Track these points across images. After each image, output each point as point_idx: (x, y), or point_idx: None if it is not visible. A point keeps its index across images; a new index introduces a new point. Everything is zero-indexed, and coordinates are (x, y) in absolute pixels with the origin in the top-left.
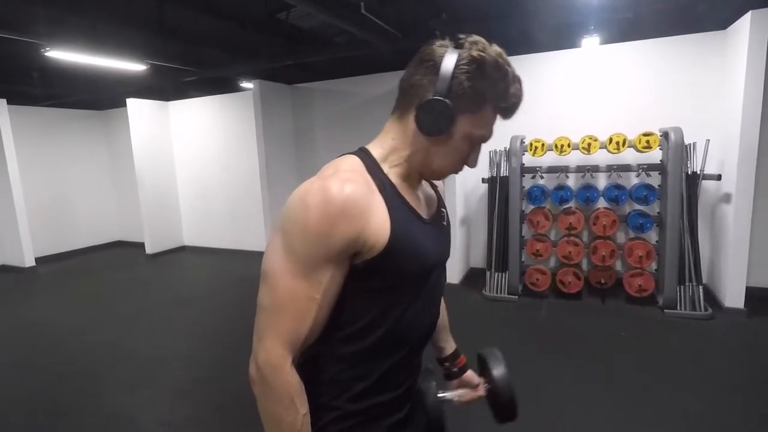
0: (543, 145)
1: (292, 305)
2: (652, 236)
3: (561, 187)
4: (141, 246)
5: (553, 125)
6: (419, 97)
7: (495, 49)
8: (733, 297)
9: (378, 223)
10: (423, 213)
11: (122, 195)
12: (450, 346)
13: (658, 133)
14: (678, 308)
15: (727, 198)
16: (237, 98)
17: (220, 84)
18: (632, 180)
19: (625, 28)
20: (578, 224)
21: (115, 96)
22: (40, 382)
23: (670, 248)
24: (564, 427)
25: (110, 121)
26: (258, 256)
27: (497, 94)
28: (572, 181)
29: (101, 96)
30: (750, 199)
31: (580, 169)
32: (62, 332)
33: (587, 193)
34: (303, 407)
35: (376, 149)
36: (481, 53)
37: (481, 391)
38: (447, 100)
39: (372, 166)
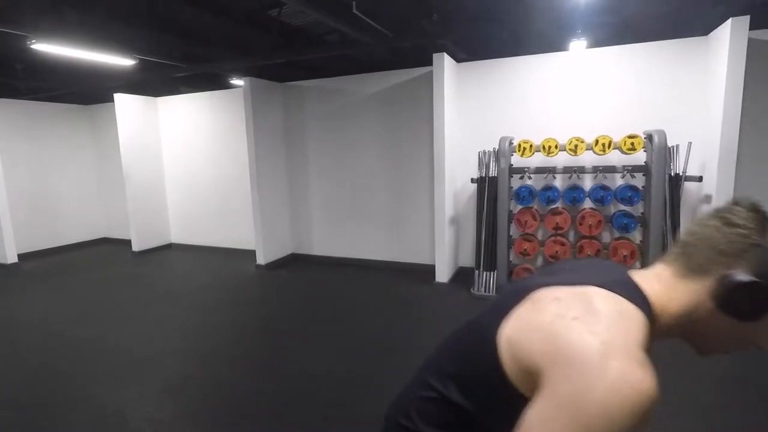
0: (531, 146)
1: None
2: (636, 236)
3: (548, 188)
4: (127, 243)
5: (541, 127)
6: (722, 266)
7: None
8: None
9: None
10: None
11: (108, 191)
12: None
13: (643, 136)
14: None
15: (707, 199)
16: (227, 95)
17: (211, 80)
18: (617, 181)
19: (612, 33)
20: (565, 224)
21: (103, 90)
22: (25, 378)
23: (653, 248)
24: None
25: (97, 115)
26: (247, 254)
27: None
28: (559, 182)
29: (88, 90)
30: (729, 200)
31: (567, 170)
32: (45, 329)
33: (574, 194)
34: None
35: (657, 306)
36: None
37: None
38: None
39: (647, 336)
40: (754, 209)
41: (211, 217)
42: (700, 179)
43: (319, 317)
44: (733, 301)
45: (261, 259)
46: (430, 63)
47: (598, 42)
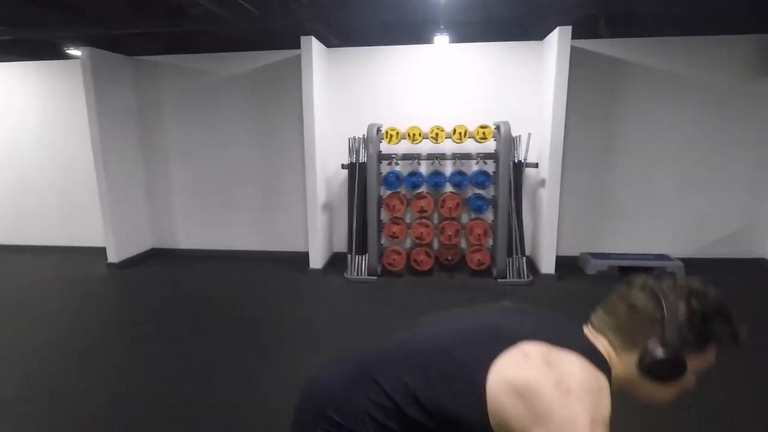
0: (398, 133)
1: None
2: (489, 216)
3: (414, 174)
4: None
5: (407, 115)
6: (643, 337)
7: (712, 292)
8: (547, 265)
9: None
10: None
11: None
12: None
13: (493, 126)
14: (507, 277)
15: (543, 183)
16: (62, 67)
17: (39, 48)
18: (473, 167)
19: (471, 31)
20: (429, 207)
21: None
22: None
23: (501, 226)
24: None
25: None
26: (96, 251)
27: (725, 340)
28: (424, 168)
29: None
30: (558, 184)
31: (431, 157)
32: None
33: (436, 179)
34: None
35: (612, 371)
36: (703, 306)
37: None
38: (678, 355)
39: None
40: (646, 288)
41: (49, 212)
42: (536, 166)
43: (183, 316)
44: (653, 371)
45: (113, 257)
46: (299, 46)
47: (459, 38)
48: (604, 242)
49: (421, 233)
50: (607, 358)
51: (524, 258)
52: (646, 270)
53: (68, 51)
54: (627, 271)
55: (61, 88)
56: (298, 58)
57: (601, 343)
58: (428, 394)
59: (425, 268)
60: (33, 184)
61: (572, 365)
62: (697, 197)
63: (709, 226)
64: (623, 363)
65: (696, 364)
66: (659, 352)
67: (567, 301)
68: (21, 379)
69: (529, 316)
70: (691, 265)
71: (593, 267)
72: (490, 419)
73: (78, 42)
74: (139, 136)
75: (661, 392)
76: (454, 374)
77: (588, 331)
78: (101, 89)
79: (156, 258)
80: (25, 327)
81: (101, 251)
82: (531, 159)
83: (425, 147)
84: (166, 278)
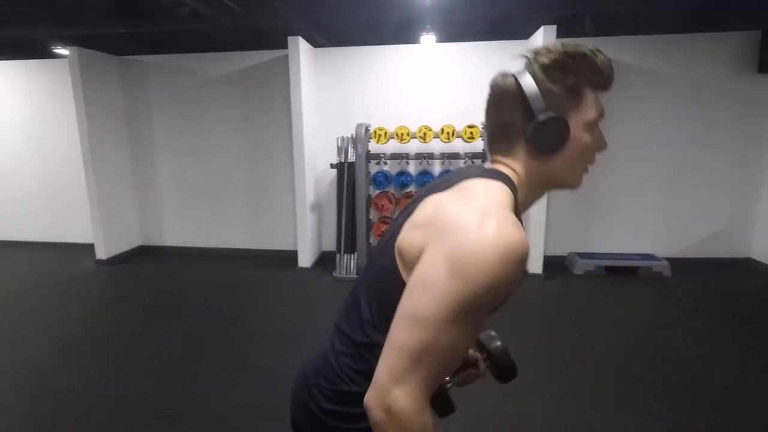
0: (386, 133)
1: (446, 354)
2: None
3: (402, 173)
4: None
5: (395, 115)
6: (519, 129)
7: (558, 44)
8: (535, 265)
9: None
10: None
11: None
12: None
13: (480, 126)
14: None
15: None
16: (50, 66)
17: (27, 47)
18: (461, 167)
19: (457, 30)
20: None
21: None
22: None
23: None
24: None
25: None
26: (84, 248)
27: (589, 76)
28: (412, 168)
29: None
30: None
31: (419, 157)
32: None
33: (425, 179)
34: None
35: (514, 179)
36: (550, 56)
37: (483, 365)
38: (551, 113)
39: (513, 204)
40: (495, 83)
41: (39, 208)
42: None
43: (170, 314)
44: (540, 139)
45: (101, 254)
46: (287, 45)
47: (446, 38)
48: (591, 242)
49: None
50: (505, 172)
51: None
52: (633, 270)
53: (56, 50)
54: (614, 270)
55: (49, 86)
56: (286, 57)
57: (499, 164)
58: (371, 307)
59: None
60: (22, 181)
61: (468, 182)
62: (683, 197)
63: (695, 225)
64: (519, 164)
65: (582, 116)
66: (534, 119)
67: (554, 301)
68: (1, 375)
69: (444, 179)
70: (678, 264)
71: (581, 267)
72: (401, 272)
73: (66, 41)
74: (128, 134)
75: (570, 161)
76: (382, 278)
77: (488, 165)
78: (89, 88)
79: (144, 255)
80: (8, 322)
81: (89, 248)
82: None
83: (413, 146)
84: (154, 275)
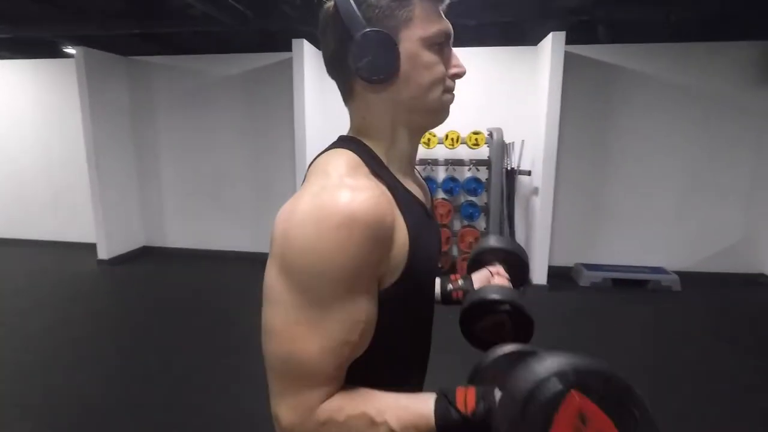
0: None
1: (319, 353)
2: (481, 224)
3: None
4: None
5: None
6: (348, 60)
7: None
8: (539, 275)
9: (401, 239)
10: (427, 204)
11: None
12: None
13: (485, 132)
14: None
15: (536, 191)
16: (58, 65)
17: (36, 47)
18: (465, 173)
19: (465, 35)
20: None
21: None
22: None
23: (492, 234)
24: None
25: None
26: (87, 248)
27: None
28: None
29: None
30: (551, 193)
31: (423, 162)
32: None
33: (428, 184)
34: (379, 416)
35: (364, 137)
36: None
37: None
38: (369, 29)
39: (371, 161)
40: (321, 25)
41: (43, 207)
42: (529, 173)
43: (170, 315)
44: (366, 70)
45: (103, 254)
46: (291, 48)
47: (453, 42)
48: (598, 253)
49: None
50: (345, 136)
51: None
52: (642, 283)
53: (64, 50)
54: (622, 283)
55: (56, 86)
56: (291, 60)
57: (349, 129)
58: None
59: None
60: (26, 180)
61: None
62: (695, 209)
63: (706, 239)
64: (363, 105)
65: (416, 31)
66: (353, 39)
67: (559, 314)
68: (1, 374)
69: None
70: (688, 278)
71: (587, 279)
72: None
73: (73, 41)
74: (132, 134)
75: (414, 86)
76: None
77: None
78: (95, 88)
79: (146, 256)
80: (9, 321)
81: (92, 247)
82: (524, 166)
83: (418, 152)
84: (156, 277)
